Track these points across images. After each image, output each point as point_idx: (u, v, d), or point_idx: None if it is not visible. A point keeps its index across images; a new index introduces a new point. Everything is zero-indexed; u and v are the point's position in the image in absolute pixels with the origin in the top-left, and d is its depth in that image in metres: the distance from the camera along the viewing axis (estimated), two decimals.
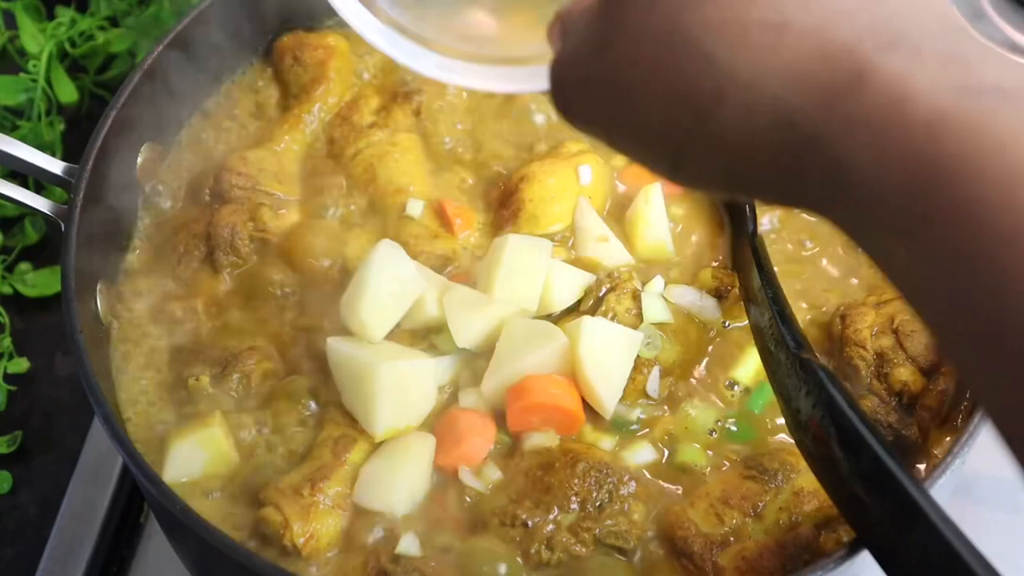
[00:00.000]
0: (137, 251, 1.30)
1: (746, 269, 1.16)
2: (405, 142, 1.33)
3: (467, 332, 1.15)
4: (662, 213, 1.26)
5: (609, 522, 1.08)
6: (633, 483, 1.10)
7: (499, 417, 1.14)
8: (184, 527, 1.03)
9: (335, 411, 1.15)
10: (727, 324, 1.21)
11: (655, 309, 1.19)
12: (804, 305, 1.23)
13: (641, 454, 1.13)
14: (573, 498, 1.08)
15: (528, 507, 1.08)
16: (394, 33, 0.92)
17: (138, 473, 1.05)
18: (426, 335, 1.19)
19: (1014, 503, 1.36)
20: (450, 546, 1.08)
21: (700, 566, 1.06)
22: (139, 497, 1.41)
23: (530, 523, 1.07)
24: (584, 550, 1.07)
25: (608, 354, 1.14)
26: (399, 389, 1.12)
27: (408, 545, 1.07)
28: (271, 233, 1.28)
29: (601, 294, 1.19)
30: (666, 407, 1.16)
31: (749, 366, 1.18)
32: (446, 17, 0.93)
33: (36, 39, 1.70)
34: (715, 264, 1.24)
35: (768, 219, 1.27)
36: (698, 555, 1.06)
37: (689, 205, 1.29)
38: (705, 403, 1.16)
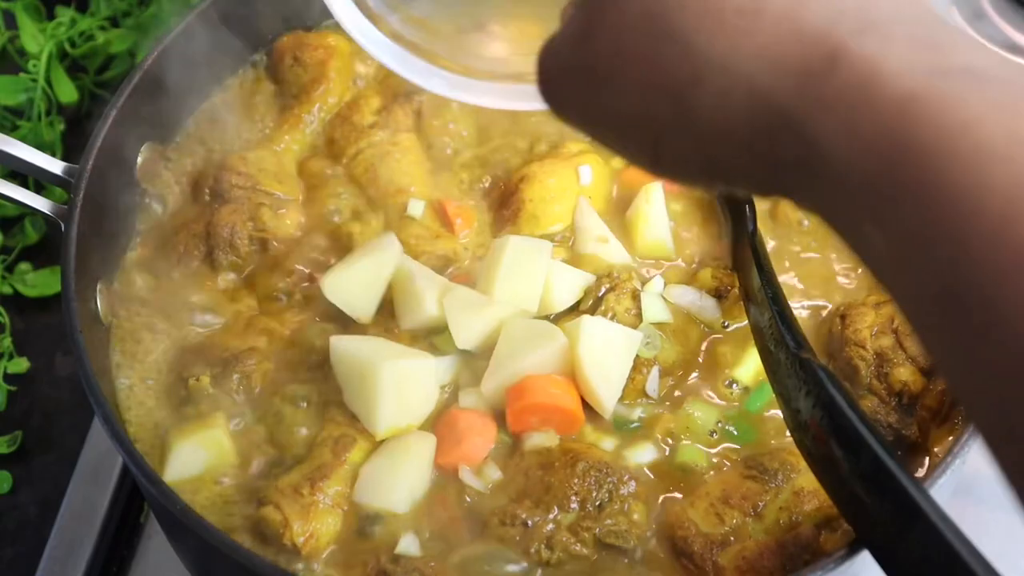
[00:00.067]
0: (137, 251, 1.30)
1: (746, 269, 1.16)
2: (406, 142, 1.33)
3: (467, 333, 1.15)
4: (663, 212, 1.26)
5: (609, 522, 1.08)
6: (633, 483, 1.10)
7: (499, 417, 1.14)
8: (184, 527, 1.03)
9: (335, 410, 1.15)
10: (727, 324, 1.21)
11: (654, 309, 1.19)
12: (804, 303, 1.23)
13: (642, 454, 1.13)
14: (573, 498, 1.08)
15: (528, 507, 1.08)
16: (403, 50, 0.92)
17: (138, 473, 1.05)
18: (426, 335, 1.19)
19: (1014, 503, 1.35)
20: (450, 546, 1.09)
21: (700, 566, 1.06)
22: (139, 497, 1.41)
23: (530, 523, 1.07)
24: (584, 550, 1.07)
25: (608, 354, 1.14)
26: (401, 388, 1.12)
27: (408, 545, 1.07)
28: (271, 233, 1.28)
29: (601, 294, 1.19)
30: (667, 406, 1.16)
31: (749, 366, 1.18)
32: (456, 34, 0.94)
33: (36, 39, 1.70)
34: (715, 264, 1.24)
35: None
36: (698, 555, 1.06)
37: (688, 204, 1.29)
38: (706, 403, 1.16)
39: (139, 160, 1.32)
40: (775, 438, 1.14)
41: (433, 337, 1.18)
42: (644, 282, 1.22)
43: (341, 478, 1.10)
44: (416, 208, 1.28)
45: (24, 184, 1.46)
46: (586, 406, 1.14)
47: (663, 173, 0.76)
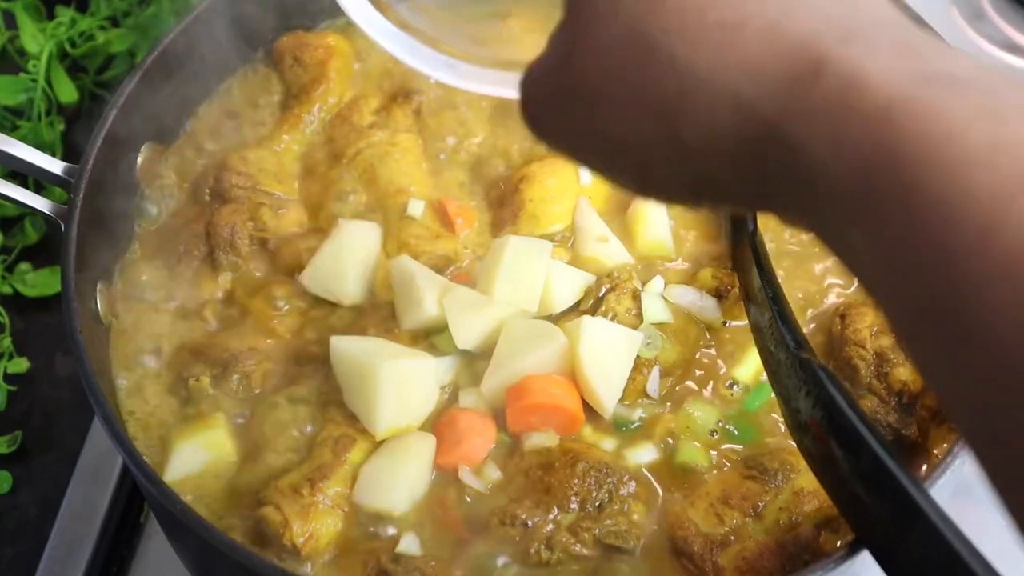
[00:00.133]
0: (137, 251, 1.30)
1: (746, 269, 1.16)
2: (405, 142, 1.33)
3: (467, 333, 1.15)
4: (663, 211, 1.26)
5: (609, 522, 1.08)
6: (633, 483, 1.10)
7: (499, 417, 1.14)
8: (184, 527, 1.03)
9: (335, 411, 1.15)
10: (727, 324, 1.21)
11: (655, 309, 1.19)
12: (801, 298, 1.23)
13: (642, 454, 1.13)
14: (573, 498, 1.08)
15: (528, 507, 1.08)
16: (410, 39, 0.91)
17: (138, 473, 1.05)
18: (426, 335, 1.19)
19: (998, 506, 1.35)
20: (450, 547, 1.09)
21: (700, 566, 1.06)
22: (139, 497, 1.41)
23: (530, 523, 1.07)
24: (584, 550, 1.07)
25: (608, 354, 1.14)
26: (401, 388, 1.12)
27: (408, 545, 1.07)
28: (271, 233, 1.28)
29: (601, 294, 1.19)
30: (668, 406, 1.16)
31: (749, 365, 1.18)
32: (466, 23, 0.93)
33: (36, 39, 1.70)
34: (715, 264, 1.24)
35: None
36: (698, 555, 1.06)
37: None
38: (706, 403, 1.16)
39: (139, 160, 1.32)
40: (775, 438, 1.14)
41: (433, 337, 1.18)
42: (644, 282, 1.22)
43: (341, 478, 1.10)
44: (416, 208, 1.28)
45: (24, 184, 1.46)
46: (586, 406, 1.14)
47: (651, 194, 0.76)
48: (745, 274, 1.17)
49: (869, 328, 1.16)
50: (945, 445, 1.10)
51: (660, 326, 1.19)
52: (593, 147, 0.76)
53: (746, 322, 1.17)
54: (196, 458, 1.14)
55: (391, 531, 1.09)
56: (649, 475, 1.13)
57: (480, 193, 1.31)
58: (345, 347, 1.14)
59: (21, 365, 1.54)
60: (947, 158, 0.57)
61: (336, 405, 1.15)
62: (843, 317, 1.18)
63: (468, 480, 1.11)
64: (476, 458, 1.12)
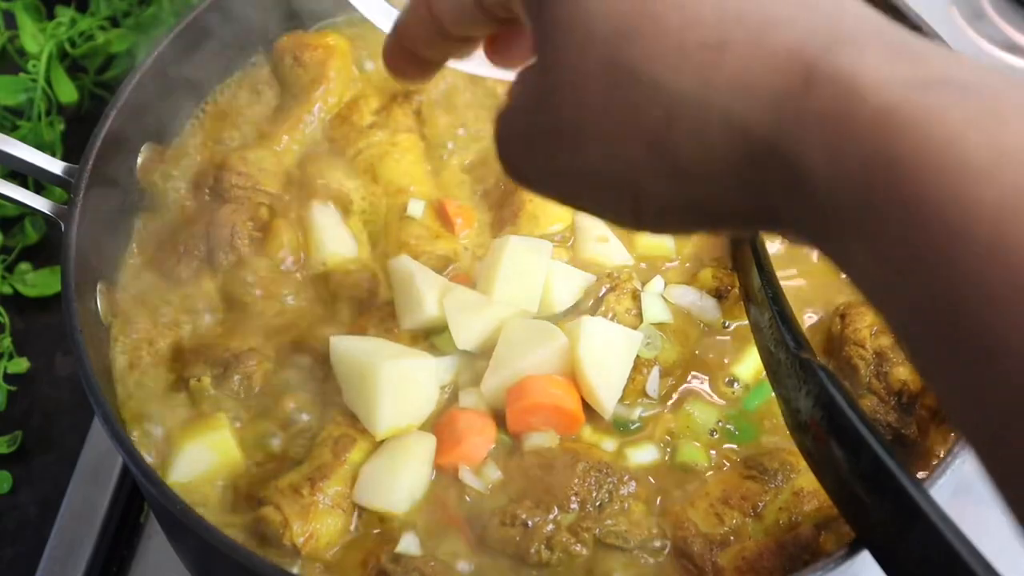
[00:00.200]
0: (137, 251, 1.30)
1: (746, 269, 1.16)
2: (405, 142, 1.33)
3: (467, 334, 1.15)
4: None
5: (609, 522, 1.08)
6: (633, 483, 1.10)
7: (499, 417, 1.14)
8: (184, 527, 1.03)
9: (335, 411, 1.15)
10: (727, 324, 1.21)
11: (655, 309, 1.19)
12: (803, 302, 1.23)
13: (642, 454, 1.13)
14: (573, 498, 1.08)
15: (528, 507, 1.08)
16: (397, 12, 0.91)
17: (138, 473, 1.05)
18: (426, 335, 1.19)
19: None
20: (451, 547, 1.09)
21: (700, 566, 1.06)
22: (139, 497, 1.41)
23: (530, 523, 1.07)
24: (584, 550, 1.07)
25: (608, 354, 1.14)
26: (401, 388, 1.12)
27: (408, 545, 1.07)
28: (271, 233, 1.28)
29: (601, 294, 1.19)
30: (667, 406, 1.16)
31: (749, 364, 1.18)
32: None
33: (36, 39, 1.70)
34: (715, 264, 1.24)
35: None
36: (698, 555, 1.06)
37: None
38: (706, 403, 1.16)
39: (139, 160, 1.32)
40: (775, 438, 1.14)
41: (433, 337, 1.18)
42: (644, 282, 1.22)
43: (341, 478, 1.10)
44: (416, 208, 1.28)
45: (24, 184, 1.46)
46: (586, 406, 1.14)
47: (648, 227, 0.73)
48: (745, 274, 1.17)
49: (869, 328, 1.16)
50: (945, 445, 1.10)
51: (660, 326, 1.19)
52: (581, 187, 0.73)
53: (746, 322, 1.17)
54: (201, 459, 1.14)
55: (391, 531, 1.09)
56: (649, 475, 1.13)
57: (480, 193, 1.31)
58: (345, 347, 1.14)
59: (21, 365, 1.54)
60: (948, 166, 0.55)
61: (336, 405, 1.15)
62: (843, 317, 1.18)
63: (468, 480, 1.11)
64: (476, 458, 1.12)
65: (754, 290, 1.12)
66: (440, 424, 1.14)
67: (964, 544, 0.84)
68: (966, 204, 0.55)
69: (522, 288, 1.17)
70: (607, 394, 1.13)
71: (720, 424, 1.15)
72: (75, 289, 1.14)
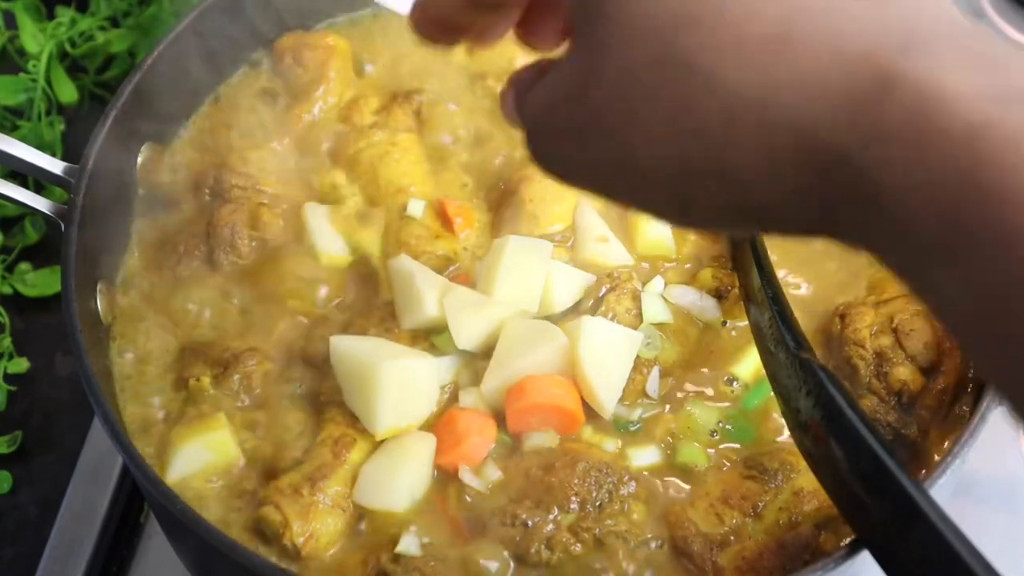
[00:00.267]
0: (137, 251, 1.30)
1: (746, 269, 1.16)
2: (405, 142, 1.33)
3: (467, 333, 1.15)
4: None
5: (609, 522, 1.08)
6: (633, 483, 1.10)
7: (499, 417, 1.14)
8: (184, 527, 1.03)
9: (335, 411, 1.15)
10: (727, 324, 1.21)
11: (655, 309, 1.19)
12: (804, 302, 1.23)
13: (643, 454, 1.13)
14: (573, 498, 1.08)
15: (528, 507, 1.08)
16: None
17: (138, 473, 1.05)
18: (426, 335, 1.19)
19: (1014, 503, 1.36)
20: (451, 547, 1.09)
21: (700, 566, 1.06)
22: (139, 497, 1.41)
23: (530, 523, 1.07)
24: (584, 550, 1.07)
25: (608, 354, 1.14)
26: (402, 388, 1.12)
27: (408, 545, 1.07)
28: (271, 233, 1.28)
29: (601, 294, 1.19)
30: (667, 407, 1.16)
31: (749, 363, 1.18)
32: None
33: (36, 39, 1.70)
34: (715, 264, 1.24)
35: None
36: (698, 555, 1.06)
37: None
38: (706, 403, 1.16)
39: (139, 160, 1.32)
40: (775, 438, 1.14)
41: (433, 337, 1.18)
42: (644, 282, 1.22)
43: (341, 478, 1.10)
44: (416, 208, 1.28)
45: (24, 184, 1.46)
46: (586, 406, 1.14)
47: (694, 225, 0.69)
48: (745, 274, 1.17)
49: (869, 328, 1.16)
50: (945, 445, 1.10)
51: (660, 326, 1.19)
52: (622, 182, 0.69)
53: (746, 322, 1.17)
54: (199, 459, 1.14)
55: (391, 531, 1.09)
56: (649, 475, 1.13)
57: (480, 193, 1.31)
58: (345, 347, 1.14)
59: (21, 365, 1.55)
60: None
61: (336, 405, 1.15)
62: (843, 317, 1.18)
63: (468, 480, 1.11)
64: (476, 458, 1.12)
65: (754, 290, 1.12)
66: (440, 424, 1.14)
67: (964, 544, 0.84)
68: None
69: (522, 288, 1.17)
70: (607, 394, 1.13)
71: (720, 424, 1.15)
72: (75, 289, 1.14)
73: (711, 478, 1.12)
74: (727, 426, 1.15)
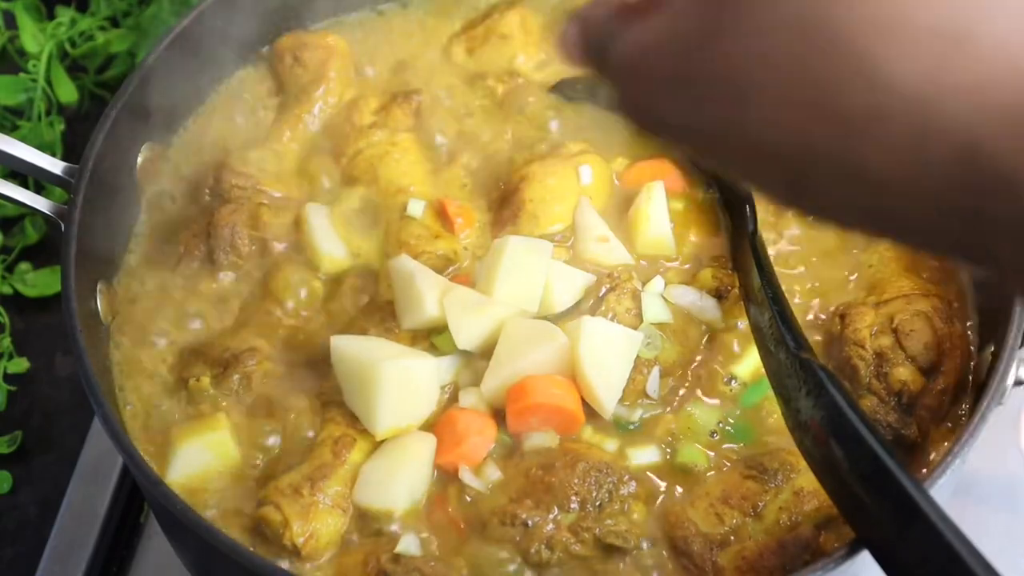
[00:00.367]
0: (137, 251, 1.30)
1: (746, 269, 1.16)
2: (405, 142, 1.33)
3: (467, 333, 1.15)
4: (664, 211, 1.25)
5: (609, 522, 1.08)
6: (633, 483, 1.10)
7: (499, 417, 1.14)
8: (184, 527, 1.03)
9: (335, 411, 1.15)
10: (727, 324, 1.21)
11: (655, 309, 1.19)
12: (800, 300, 1.23)
13: (643, 454, 1.13)
14: (573, 498, 1.08)
15: (528, 507, 1.08)
16: None
17: (138, 473, 1.05)
18: (426, 335, 1.19)
19: (1014, 503, 1.36)
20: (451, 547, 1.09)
21: (700, 566, 1.06)
22: (139, 497, 1.41)
23: (530, 523, 1.07)
24: (584, 550, 1.07)
25: (608, 354, 1.14)
26: (402, 388, 1.12)
27: (408, 545, 1.07)
28: (271, 233, 1.28)
29: (601, 294, 1.19)
30: (667, 407, 1.16)
31: (748, 362, 1.18)
32: None
33: (36, 39, 1.70)
34: (715, 264, 1.24)
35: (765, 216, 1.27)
36: (698, 555, 1.06)
37: (689, 204, 1.29)
38: (706, 404, 1.16)
39: (139, 160, 1.32)
40: (775, 438, 1.14)
41: (433, 337, 1.18)
42: (644, 282, 1.22)
43: (341, 478, 1.10)
44: (416, 208, 1.28)
45: (24, 184, 1.47)
46: (586, 406, 1.14)
47: (803, 208, 0.63)
48: (745, 274, 1.17)
49: (869, 328, 1.16)
50: (945, 445, 1.10)
51: (660, 326, 1.19)
52: (732, 147, 0.62)
53: (746, 322, 1.17)
54: (199, 459, 1.14)
55: (391, 531, 1.09)
56: (649, 475, 1.13)
57: (480, 193, 1.31)
58: (345, 347, 1.14)
59: (21, 365, 1.55)
60: None
61: (336, 405, 1.15)
62: (843, 317, 1.18)
63: (468, 480, 1.11)
64: (476, 458, 1.12)
65: (754, 290, 1.12)
66: (440, 424, 1.14)
67: (964, 544, 0.84)
68: None
69: (522, 288, 1.17)
70: (607, 394, 1.13)
71: (720, 424, 1.15)
72: (75, 289, 1.14)
73: (711, 478, 1.12)
74: (728, 426, 1.15)
